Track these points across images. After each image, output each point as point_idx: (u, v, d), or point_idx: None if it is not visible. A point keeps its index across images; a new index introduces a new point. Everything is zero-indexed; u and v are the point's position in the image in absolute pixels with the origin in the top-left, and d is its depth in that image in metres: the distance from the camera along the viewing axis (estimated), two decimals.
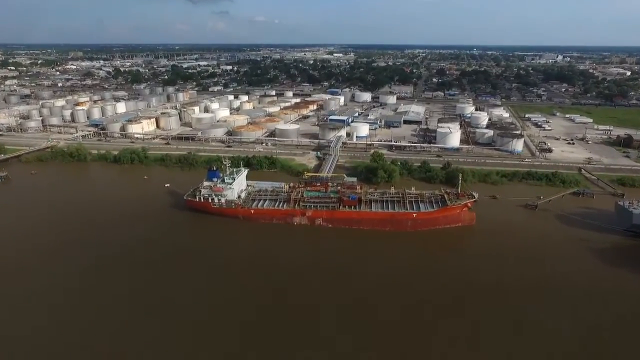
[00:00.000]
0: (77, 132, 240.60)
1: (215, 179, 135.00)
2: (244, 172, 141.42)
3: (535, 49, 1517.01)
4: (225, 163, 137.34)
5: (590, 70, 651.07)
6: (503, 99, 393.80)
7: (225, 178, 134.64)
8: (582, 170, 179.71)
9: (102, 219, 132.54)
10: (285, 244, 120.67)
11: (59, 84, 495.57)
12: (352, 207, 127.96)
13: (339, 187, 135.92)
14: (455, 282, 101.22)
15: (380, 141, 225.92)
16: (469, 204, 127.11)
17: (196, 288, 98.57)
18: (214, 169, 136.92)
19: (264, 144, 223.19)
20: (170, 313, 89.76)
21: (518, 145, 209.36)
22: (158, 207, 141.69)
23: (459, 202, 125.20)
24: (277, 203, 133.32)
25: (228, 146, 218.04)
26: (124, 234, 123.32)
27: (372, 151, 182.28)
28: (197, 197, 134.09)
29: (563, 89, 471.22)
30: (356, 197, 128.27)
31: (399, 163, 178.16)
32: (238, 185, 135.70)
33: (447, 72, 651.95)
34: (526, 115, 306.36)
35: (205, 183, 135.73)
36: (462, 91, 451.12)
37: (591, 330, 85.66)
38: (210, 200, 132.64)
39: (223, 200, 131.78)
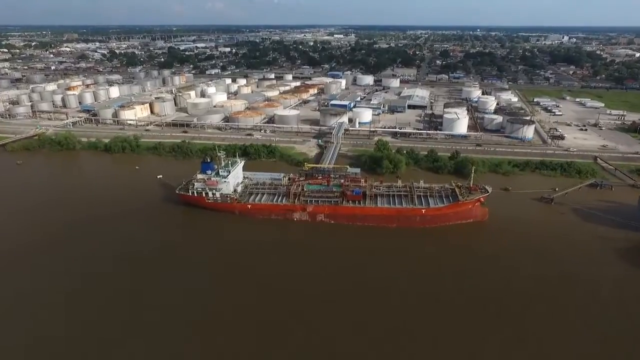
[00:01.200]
0: (67, 119, 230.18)
1: (209, 172, 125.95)
2: (240, 163, 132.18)
3: (539, 30, 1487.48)
4: (219, 154, 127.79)
5: (598, 52, 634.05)
6: (510, 82, 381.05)
7: (220, 170, 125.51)
8: (598, 159, 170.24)
9: (87, 215, 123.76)
10: (284, 241, 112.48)
11: (52, 67, 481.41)
12: (356, 202, 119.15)
13: (342, 181, 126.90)
14: (467, 285, 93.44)
15: (384, 127, 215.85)
16: (481, 199, 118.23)
17: (187, 289, 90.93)
18: (208, 160, 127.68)
19: (262, 131, 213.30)
20: (158, 316, 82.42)
21: (529, 132, 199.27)
22: (149, 201, 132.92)
23: (471, 197, 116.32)
24: (275, 197, 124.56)
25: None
26: (110, 231, 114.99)
27: (377, 139, 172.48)
28: (190, 191, 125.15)
29: (571, 72, 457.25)
30: (360, 192, 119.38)
31: (405, 152, 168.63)
32: (234, 178, 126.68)
33: (451, 53, 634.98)
34: (535, 100, 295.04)
35: (199, 176, 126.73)
36: (467, 74, 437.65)
37: (610, 345, 77.67)
38: (204, 195, 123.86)
39: (218, 195, 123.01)
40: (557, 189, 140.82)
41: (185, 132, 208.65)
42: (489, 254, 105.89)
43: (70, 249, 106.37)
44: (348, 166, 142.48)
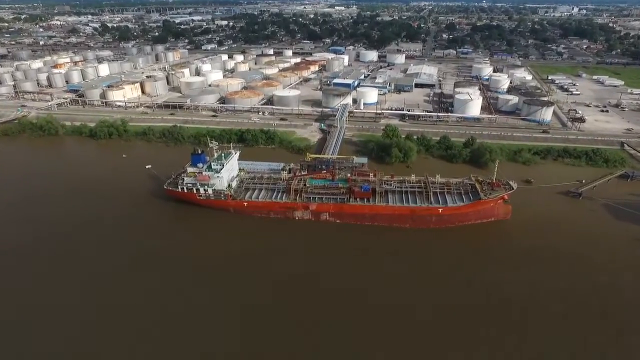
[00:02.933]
0: (52, 100, 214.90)
1: (200, 165, 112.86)
2: (235, 155, 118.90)
3: (547, 1, 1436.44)
4: (211, 145, 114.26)
5: (610, 24, 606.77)
6: (520, 58, 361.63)
7: (212, 164, 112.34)
8: (625, 145, 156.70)
9: (65, 213, 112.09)
10: (284, 244, 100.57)
11: (41, 42, 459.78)
12: (365, 199, 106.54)
13: (349, 175, 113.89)
14: (489, 297, 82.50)
15: (391, 109, 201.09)
16: (505, 197, 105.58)
17: (171, 296, 79.57)
18: (199, 152, 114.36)
19: (260, 113, 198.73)
20: (136, 327, 71.47)
21: (547, 115, 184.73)
22: (135, 196, 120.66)
23: (494, 195, 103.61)
24: (275, 194, 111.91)
25: (217, 115, 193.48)
26: (90, 232, 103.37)
27: (385, 125, 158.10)
28: (179, 186, 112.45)
29: (584, 46, 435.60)
30: (369, 188, 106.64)
31: (416, 138, 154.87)
32: (228, 172, 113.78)
33: (457, 26, 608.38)
34: (549, 77, 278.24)
35: (189, 169, 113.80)
36: (475, 48, 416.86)
37: None
38: (194, 191, 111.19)
39: (210, 191, 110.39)
40: (584, 181, 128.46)
41: (173, 114, 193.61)
42: (514, 260, 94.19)
43: (39, 252, 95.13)
44: (354, 157, 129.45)
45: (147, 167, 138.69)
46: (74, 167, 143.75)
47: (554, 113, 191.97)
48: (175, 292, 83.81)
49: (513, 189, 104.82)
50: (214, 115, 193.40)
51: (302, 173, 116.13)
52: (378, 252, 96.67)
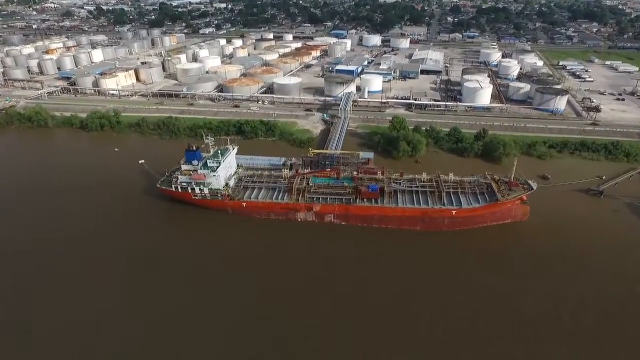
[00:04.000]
0: (42, 88, 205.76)
1: (195, 162, 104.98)
2: (233, 150, 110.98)
3: None
4: (207, 141, 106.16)
5: (620, 7, 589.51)
6: (529, 42, 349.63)
7: (208, 161, 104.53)
8: None
9: (48, 213, 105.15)
10: (285, 247, 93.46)
11: (34, 26, 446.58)
12: (373, 200, 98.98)
13: (355, 173, 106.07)
14: (508, 311, 75.52)
15: (397, 98, 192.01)
16: (523, 197, 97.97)
17: (164, 305, 72.95)
18: (194, 148, 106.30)
19: (260, 102, 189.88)
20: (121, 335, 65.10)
21: (561, 104, 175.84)
22: (127, 194, 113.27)
23: (512, 196, 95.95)
24: (275, 193, 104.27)
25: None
26: (75, 234, 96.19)
27: (392, 117, 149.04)
28: (173, 185, 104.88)
29: (595, 29, 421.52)
30: (377, 188, 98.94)
31: (424, 130, 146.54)
32: (225, 170, 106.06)
33: (462, 9, 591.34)
34: (560, 63, 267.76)
35: (183, 167, 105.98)
36: (481, 32, 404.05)
37: None
38: (189, 190, 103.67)
39: (206, 191, 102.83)
40: (604, 177, 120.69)
41: (162, 103, 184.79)
42: (534, 267, 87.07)
43: (16, 255, 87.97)
44: (360, 152, 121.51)
45: (140, 162, 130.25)
46: (62, 163, 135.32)
47: (568, 102, 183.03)
48: (167, 299, 77.26)
49: (532, 189, 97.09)
50: (211, 101, 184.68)
51: (305, 171, 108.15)
52: (387, 258, 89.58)
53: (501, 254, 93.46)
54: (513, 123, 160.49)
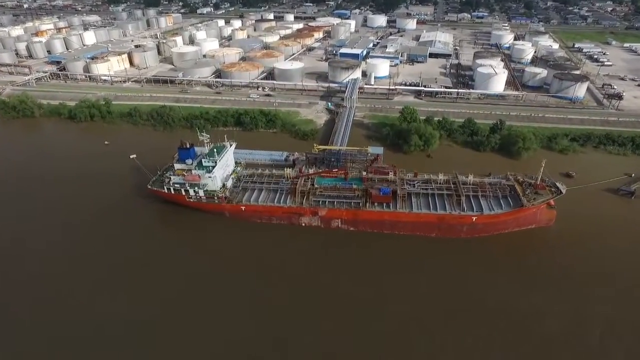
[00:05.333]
0: (30, 74, 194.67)
1: (189, 161, 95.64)
2: (231, 148, 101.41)
3: None
4: (202, 137, 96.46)
5: None
6: (541, 22, 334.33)
7: (203, 160, 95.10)
8: None
9: (29, 214, 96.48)
10: (286, 256, 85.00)
11: (25, 5, 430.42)
12: (384, 204, 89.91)
13: (364, 173, 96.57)
14: (529, 333, 67.47)
15: (405, 84, 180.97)
16: (551, 202, 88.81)
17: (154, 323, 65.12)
18: (187, 145, 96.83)
19: (260, 89, 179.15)
20: None
21: (581, 91, 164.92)
22: (116, 194, 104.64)
23: (538, 201, 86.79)
24: (277, 195, 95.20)
25: (217, 92, 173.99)
26: (57, 239, 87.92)
27: (402, 107, 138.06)
28: (165, 186, 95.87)
29: (610, 8, 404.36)
30: (389, 191, 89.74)
31: (436, 121, 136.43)
32: (222, 170, 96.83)
33: None
34: (576, 45, 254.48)
35: (177, 166, 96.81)
36: (490, 12, 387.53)
37: None
38: (183, 192, 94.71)
39: (201, 193, 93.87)
40: (633, 175, 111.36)
41: (155, 90, 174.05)
42: (559, 282, 78.57)
43: None
44: (368, 148, 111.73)
45: (131, 156, 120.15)
46: (46, 158, 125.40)
47: (587, 88, 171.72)
48: (159, 314, 69.39)
49: (561, 193, 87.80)
50: (209, 87, 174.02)
51: (309, 171, 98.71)
52: (399, 268, 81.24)
53: (523, 265, 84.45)
54: (531, 113, 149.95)
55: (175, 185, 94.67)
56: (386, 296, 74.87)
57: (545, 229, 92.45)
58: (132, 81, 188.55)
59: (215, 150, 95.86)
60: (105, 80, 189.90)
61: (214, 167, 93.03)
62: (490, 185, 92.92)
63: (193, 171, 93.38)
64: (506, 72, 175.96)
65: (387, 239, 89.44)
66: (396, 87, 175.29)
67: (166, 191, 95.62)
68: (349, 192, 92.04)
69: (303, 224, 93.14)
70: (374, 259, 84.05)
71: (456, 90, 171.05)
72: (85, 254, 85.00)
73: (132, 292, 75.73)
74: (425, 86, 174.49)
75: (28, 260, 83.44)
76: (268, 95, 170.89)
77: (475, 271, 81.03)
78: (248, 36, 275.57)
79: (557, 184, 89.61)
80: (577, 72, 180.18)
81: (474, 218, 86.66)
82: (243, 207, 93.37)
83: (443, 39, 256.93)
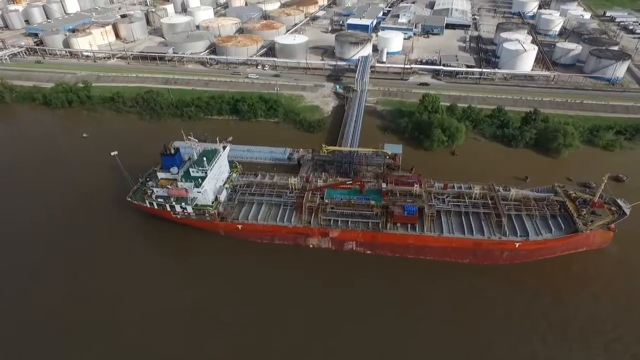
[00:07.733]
0: (5, 49, 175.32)
1: (174, 169, 79.92)
2: (224, 152, 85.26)
3: None
4: (190, 143, 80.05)
5: None
6: None
7: (191, 169, 79.27)
8: None
9: None
10: (291, 284, 71.12)
11: None
12: (409, 225, 74.83)
13: (384, 185, 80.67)
14: None
15: (421, 61, 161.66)
16: (611, 226, 73.41)
17: None
18: (172, 150, 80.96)
19: (259, 67, 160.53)
20: None
21: (621, 71, 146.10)
22: (92, 203, 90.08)
23: (597, 224, 71.55)
24: (280, 211, 79.95)
25: (209, 73, 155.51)
26: (17, 256, 73.97)
27: (423, 95, 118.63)
28: (147, 200, 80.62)
29: None
30: (415, 210, 74.28)
31: (462, 110, 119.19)
32: (214, 181, 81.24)
33: None
34: (606, 13, 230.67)
35: (160, 175, 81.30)
36: None
37: None
38: (168, 208, 79.59)
39: (190, 209, 78.64)
40: None
41: (142, 70, 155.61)
42: (616, 322, 64.94)
43: None
44: (385, 146, 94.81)
45: (112, 153, 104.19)
46: (12, 156, 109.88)
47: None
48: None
49: (625, 214, 72.36)
50: (202, 65, 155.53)
51: (317, 181, 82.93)
52: (426, 301, 67.55)
53: (572, 300, 70.40)
54: (567, 99, 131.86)
55: (159, 199, 79.28)
56: (414, 335, 61.32)
57: (598, 251, 77.84)
58: (117, 58, 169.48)
59: (205, 157, 79.31)
60: (87, 57, 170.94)
61: (204, 178, 77.33)
62: (536, 201, 77.26)
63: (179, 183, 77.83)
64: (535, 48, 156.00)
65: (411, 264, 75.08)
66: (411, 65, 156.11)
67: (148, 206, 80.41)
68: (366, 210, 76.75)
69: (311, 245, 78.74)
70: (394, 292, 69.88)
71: (479, 70, 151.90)
72: (48, 272, 71.16)
73: (102, 321, 62.27)
74: (444, 65, 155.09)
75: None
76: (277, 75, 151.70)
77: (515, 306, 67.25)
78: (246, 3, 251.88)
79: (619, 201, 74.07)
80: (615, 47, 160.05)
81: (518, 244, 71.81)
82: (240, 226, 78.53)
83: (460, 6, 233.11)
